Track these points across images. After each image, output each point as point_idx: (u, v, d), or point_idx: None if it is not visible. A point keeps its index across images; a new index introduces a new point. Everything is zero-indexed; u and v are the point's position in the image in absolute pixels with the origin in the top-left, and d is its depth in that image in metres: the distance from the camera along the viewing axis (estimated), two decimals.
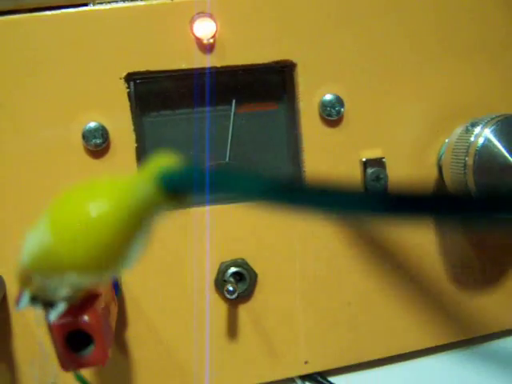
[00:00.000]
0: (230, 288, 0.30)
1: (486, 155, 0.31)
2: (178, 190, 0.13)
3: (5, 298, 0.29)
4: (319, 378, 0.35)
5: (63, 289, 0.16)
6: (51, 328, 0.21)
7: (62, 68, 0.29)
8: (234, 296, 0.30)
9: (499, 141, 0.31)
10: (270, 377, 0.34)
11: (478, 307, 0.36)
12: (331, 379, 0.35)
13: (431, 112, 0.34)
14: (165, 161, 0.14)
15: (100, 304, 0.23)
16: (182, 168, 0.14)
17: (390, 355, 0.35)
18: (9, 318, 0.30)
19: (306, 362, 0.34)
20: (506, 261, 0.37)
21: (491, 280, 0.36)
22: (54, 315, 0.18)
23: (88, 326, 0.21)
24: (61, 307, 0.17)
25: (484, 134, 0.31)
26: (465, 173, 0.32)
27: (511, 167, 0.31)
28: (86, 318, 0.21)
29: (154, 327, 0.32)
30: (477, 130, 0.31)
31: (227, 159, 0.33)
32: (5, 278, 0.29)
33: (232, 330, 0.33)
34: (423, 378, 0.36)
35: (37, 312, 0.18)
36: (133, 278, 0.31)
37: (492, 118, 0.31)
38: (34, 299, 0.18)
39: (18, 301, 0.18)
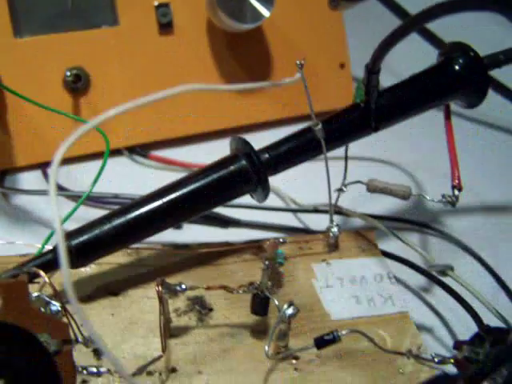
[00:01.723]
0: (68, 73, 0.49)
1: None
2: None
3: None
4: (138, 149, 0.53)
5: None
6: None
7: None
8: (70, 79, 0.49)
9: None
10: (101, 148, 0.51)
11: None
12: (155, 152, 0.53)
13: None
14: None
15: None
16: None
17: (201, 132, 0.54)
18: None
19: (127, 137, 0.52)
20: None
21: None
22: None
23: None
24: None
25: None
26: (212, 2, 0.51)
27: None
28: None
29: (25, 112, 0.50)
30: None
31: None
32: None
33: (75, 113, 0.51)
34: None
35: None
36: (11, 79, 0.49)
37: None
38: None
39: None
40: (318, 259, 0.41)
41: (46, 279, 0.31)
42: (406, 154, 0.57)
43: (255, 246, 0.41)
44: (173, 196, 0.37)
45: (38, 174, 0.51)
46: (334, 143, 0.40)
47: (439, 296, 0.44)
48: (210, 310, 0.38)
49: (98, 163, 0.52)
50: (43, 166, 0.51)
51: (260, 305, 0.35)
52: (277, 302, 0.34)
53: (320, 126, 0.38)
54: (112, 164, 0.52)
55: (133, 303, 0.38)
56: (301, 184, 0.50)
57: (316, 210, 0.47)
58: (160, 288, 0.34)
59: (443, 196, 0.40)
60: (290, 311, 0.33)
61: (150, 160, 0.53)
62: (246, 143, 0.38)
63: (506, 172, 0.57)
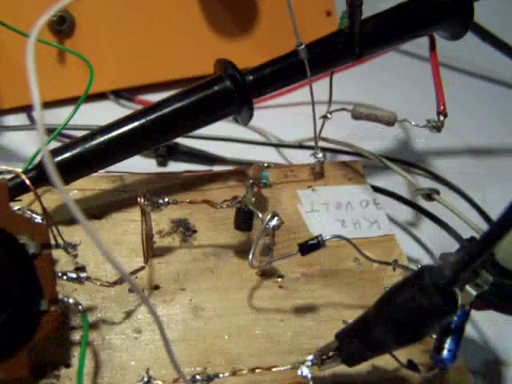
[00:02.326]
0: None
1: None
2: None
3: None
4: (123, 93, 0.53)
5: None
6: None
7: None
8: (55, 20, 0.48)
9: None
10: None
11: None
12: (141, 96, 0.53)
13: None
14: None
15: None
16: None
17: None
18: None
19: (113, 81, 0.52)
20: None
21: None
22: None
23: None
24: None
25: None
26: None
27: None
28: None
29: (9, 54, 0.49)
30: None
31: None
32: None
33: (60, 55, 0.50)
34: None
35: None
36: None
37: None
38: None
39: None
40: (303, 186, 0.41)
41: (27, 181, 0.31)
42: (390, 100, 0.56)
43: (240, 172, 0.41)
44: (157, 114, 0.36)
45: (23, 116, 0.51)
46: (317, 68, 0.39)
47: (424, 229, 0.44)
48: (194, 231, 0.38)
49: (83, 106, 0.51)
50: (28, 109, 0.51)
51: (244, 219, 0.35)
52: (260, 215, 0.34)
53: (303, 46, 0.37)
54: (97, 107, 0.52)
55: (116, 225, 0.38)
56: (285, 124, 0.50)
57: (301, 146, 0.46)
58: (142, 200, 0.33)
59: (428, 121, 0.40)
60: (273, 222, 0.33)
61: (135, 104, 0.53)
62: (231, 64, 0.37)
63: (492, 119, 0.57)
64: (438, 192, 0.39)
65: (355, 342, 0.28)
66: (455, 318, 0.30)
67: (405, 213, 0.45)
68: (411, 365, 0.31)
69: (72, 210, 0.21)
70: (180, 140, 0.47)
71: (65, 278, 0.30)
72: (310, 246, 0.31)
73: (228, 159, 0.47)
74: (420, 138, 0.53)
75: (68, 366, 0.31)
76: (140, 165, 0.42)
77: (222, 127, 0.50)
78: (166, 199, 0.34)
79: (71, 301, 0.30)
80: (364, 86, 0.52)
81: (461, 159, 0.53)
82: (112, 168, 0.38)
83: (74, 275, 0.30)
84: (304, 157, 0.46)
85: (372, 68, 0.56)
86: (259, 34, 0.56)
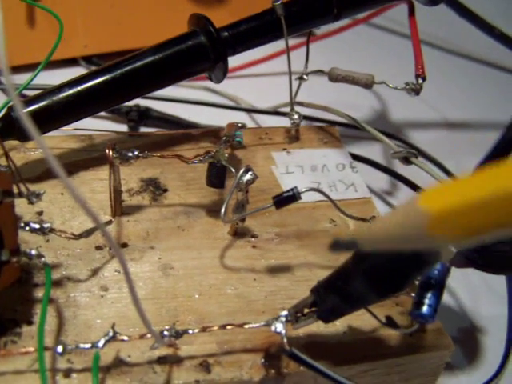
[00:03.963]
0: None
1: None
2: None
3: None
4: (94, 59, 0.51)
5: None
6: None
7: None
8: None
9: None
10: (58, 55, 0.50)
11: None
12: None
13: None
14: None
15: None
16: None
17: None
18: None
19: (85, 46, 0.50)
20: None
21: None
22: None
23: None
24: None
25: None
26: None
27: None
28: None
29: None
30: None
31: None
32: None
33: (30, 19, 0.49)
34: None
35: None
36: None
37: None
38: None
39: None
40: (277, 148, 0.40)
41: None
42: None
43: (213, 134, 0.40)
44: (128, 68, 0.35)
45: None
46: (294, 26, 0.38)
47: (400, 196, 0.44)
48: (165, 190, 0.36)
49: (53, 72, 0.50)
50: None
51: (216, 175, 0.33)
52: (233, 170, 0.33)
53: (280, 2, 0.36)
54: (68, 73, 0.50)
55: (83, 184, 0.36)
56: (260, 93, 0.49)
57: (276, 112, 0.45)
58: (111, 152, 0.32)
59: (407, 84, 0.39)
60: (247, 176, 0.32)
61: None
62: (207, 20, 0.36)
63: (468, 94, 0.57)
64: (416, 155, 0.38)
65: (332, 295, 0.27)
66: (435, 272, 0.29)
67: (381, 181, 0.44)
68: (390, 321, 0.30)
69: (47, 155, 0.20)
70: (152, 104, 0.46)
71: (27, 228, 0.29)
72: (285, 199, 0.30)
73: (201, 126, 0.46)
74: (396, 109, 0.52)
75: (30, 323, 0.29)
76: (110, 129, 0.41)
77: (197, 95, 0.49)
78: (136, 152, 0.32)
79: (34, 252, 0.28)
80: (336, 59, 0.51)
81: (436, 132, 0.52)
82: (81, 126, 0.37)
83: (37, 226, 0.29)
84: (279, 125, 0.45)
85: (343, 41, 0.55)
86: (235, 1, 0.55)
